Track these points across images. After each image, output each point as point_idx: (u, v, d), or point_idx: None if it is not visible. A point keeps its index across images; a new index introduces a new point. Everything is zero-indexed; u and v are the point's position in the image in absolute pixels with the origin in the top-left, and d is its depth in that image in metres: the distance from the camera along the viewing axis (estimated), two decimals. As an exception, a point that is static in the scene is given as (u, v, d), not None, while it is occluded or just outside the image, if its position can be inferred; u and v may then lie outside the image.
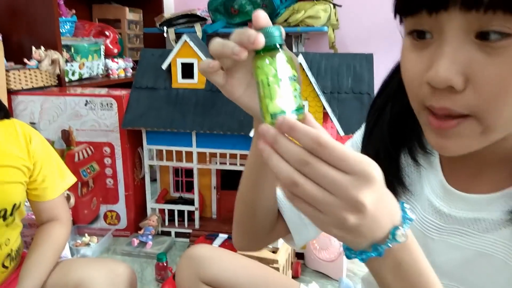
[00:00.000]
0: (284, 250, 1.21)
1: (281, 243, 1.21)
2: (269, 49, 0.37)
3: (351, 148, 0.34)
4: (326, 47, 2.26)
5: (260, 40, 0.37)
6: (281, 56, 0.37)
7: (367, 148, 0.53)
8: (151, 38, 2.57)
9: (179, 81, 1.50)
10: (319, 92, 1.26)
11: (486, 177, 0.47)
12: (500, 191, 0.45)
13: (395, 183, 0.52)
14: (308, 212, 0.35)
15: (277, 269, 1.13)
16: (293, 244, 0.64)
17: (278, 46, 0.38)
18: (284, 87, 0.36)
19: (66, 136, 1.53)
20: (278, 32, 0.38)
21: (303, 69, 1.25)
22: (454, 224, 0.47)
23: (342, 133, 1.28)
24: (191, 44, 1.44)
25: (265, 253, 1.16)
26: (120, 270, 0.92)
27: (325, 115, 1.31)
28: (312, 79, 1.25)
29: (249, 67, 0.41)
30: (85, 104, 1.50)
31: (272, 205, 0.60)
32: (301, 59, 1.25)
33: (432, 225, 0.49)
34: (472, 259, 0.46)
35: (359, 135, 0.59)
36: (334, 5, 2.17)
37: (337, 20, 2.24)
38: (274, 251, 1.19)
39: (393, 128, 0.51)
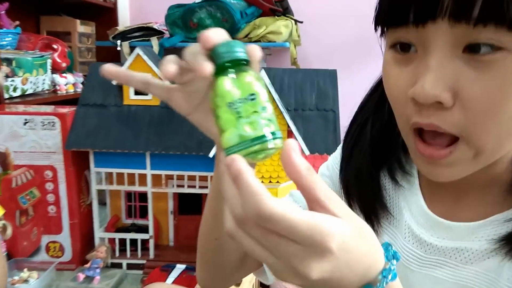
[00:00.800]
0: (247, 282, 1.10)
1: (243, 274, 1.10)
2: (221, 69, 0.30)
3: (301, 212, 0.27)
4: (288, 63, 2.22)
5: (205, 70, 0.30)
6: (232, 77, 0.30)
7: (346, 169, 0.49)
8: (105, 52, 2.43)
9: (131, 97, 1.38)
10: (282, 110, 1.19)
11: (470, 202, 0.43)
12: (485, 219, 0.41)
13: (377, 205, 0.47)
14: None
15: (240, 304, 1.02)
16: (265, 279, 0.56)
17: (231, 64, 0.30)
18: (237, 114, 0.29)
19: (2, 159, 1.36)
20: (232, 48, 0.30)
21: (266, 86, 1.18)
22: (435, 254, 0.43)
23: (307, 152, 1.21)
24: (145, 57, 1.34)
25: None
26: None
27: (289, 133, 1.24)
28: (275, 96, 1.18)
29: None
30: (24, 123, 1.34)
31: None
32: (263, 74, 1.17)
33: (412, 255, 0.45)
34: None
35: (334, 157, 0.54)
36: (295, 21, 2.15)
37: (298, 36, 2.21)
38: (238, 283, 1.08)
39: (374, 147, 0.47)
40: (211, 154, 1.24)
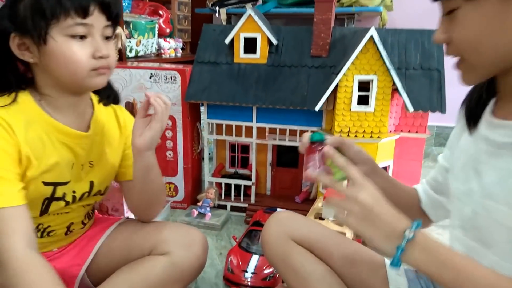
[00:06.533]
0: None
1: (346, 216, 1.21)
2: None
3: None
4: (378, 30, 2.22)
5: None
6: None
7: (470, 95, 0.68)
8: (199, 20, 2.59)
9: (241, 56, 1.51)
10: (390, 67, 1.24)
11: None
12: None
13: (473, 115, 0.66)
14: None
15: (345, 240, 1.13)
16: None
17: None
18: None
19: (130, 108, 1.57)
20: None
21: (375, 42, 1.23)
22: (497, 148, 0.58)
23: (411, 109, 1.27)
24: (256, 18, 1.45)
25: (332, 225, 1.17)
26: (194, 232, 0.95)
27: (393, 91, 1.30)
28: (384, 53, 1.23)
29: None
30: (150, 77, 1.53)
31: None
32: (373, 32, 1.23)
33: (482, 150, 0.61)
34: (508, 178, 0.55)
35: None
36: (389, -14, 2.13)
37: (391, 1, 2.20)
38: (341, 224, 1.19)
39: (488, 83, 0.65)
40: (316, 108, 1.34)
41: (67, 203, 0.84)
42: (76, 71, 0.74)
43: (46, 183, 0.78)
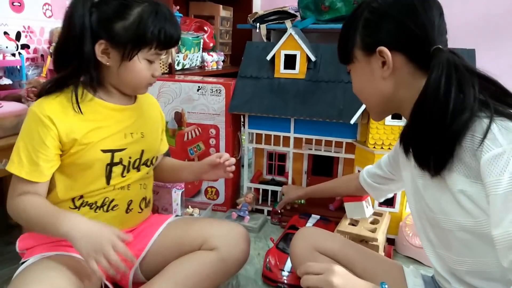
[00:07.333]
0: (381, 231, 1.28)
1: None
2: None
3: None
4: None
5: None
6: None
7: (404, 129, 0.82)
8: (239, 34, 2.74)
9: (281, 71, 1.62)
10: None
11: None
12: None
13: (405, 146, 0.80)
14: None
15: (377, 246, 1.21)
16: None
17: None
18: None
19: (179, 117, 1.72)
20: None
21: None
22: (420, 170, 0.70)
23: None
24: (296, 37, 1.56)
25: (364, 231, 1.25)
26: (238, 229, 1.07)
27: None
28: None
29: None
30: (198, 90, 1.67)
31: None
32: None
33: (415, 174, 0.75)
34: (435, 192, 0.69)
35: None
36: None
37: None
38: (372, 230, 1.27)
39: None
40: (352, 121, 1.43)
41: (124, 167, 0.99)
42: (139, 84, 0.97)
43: (104, 151, 0.95)
